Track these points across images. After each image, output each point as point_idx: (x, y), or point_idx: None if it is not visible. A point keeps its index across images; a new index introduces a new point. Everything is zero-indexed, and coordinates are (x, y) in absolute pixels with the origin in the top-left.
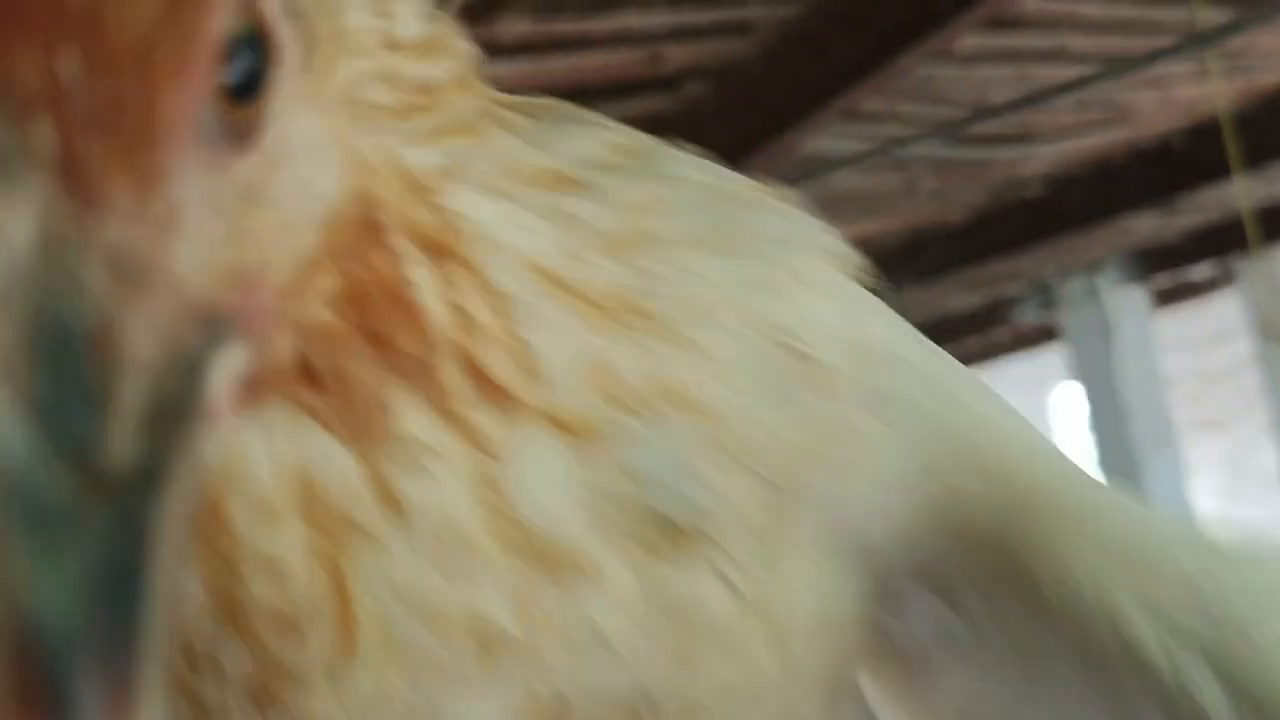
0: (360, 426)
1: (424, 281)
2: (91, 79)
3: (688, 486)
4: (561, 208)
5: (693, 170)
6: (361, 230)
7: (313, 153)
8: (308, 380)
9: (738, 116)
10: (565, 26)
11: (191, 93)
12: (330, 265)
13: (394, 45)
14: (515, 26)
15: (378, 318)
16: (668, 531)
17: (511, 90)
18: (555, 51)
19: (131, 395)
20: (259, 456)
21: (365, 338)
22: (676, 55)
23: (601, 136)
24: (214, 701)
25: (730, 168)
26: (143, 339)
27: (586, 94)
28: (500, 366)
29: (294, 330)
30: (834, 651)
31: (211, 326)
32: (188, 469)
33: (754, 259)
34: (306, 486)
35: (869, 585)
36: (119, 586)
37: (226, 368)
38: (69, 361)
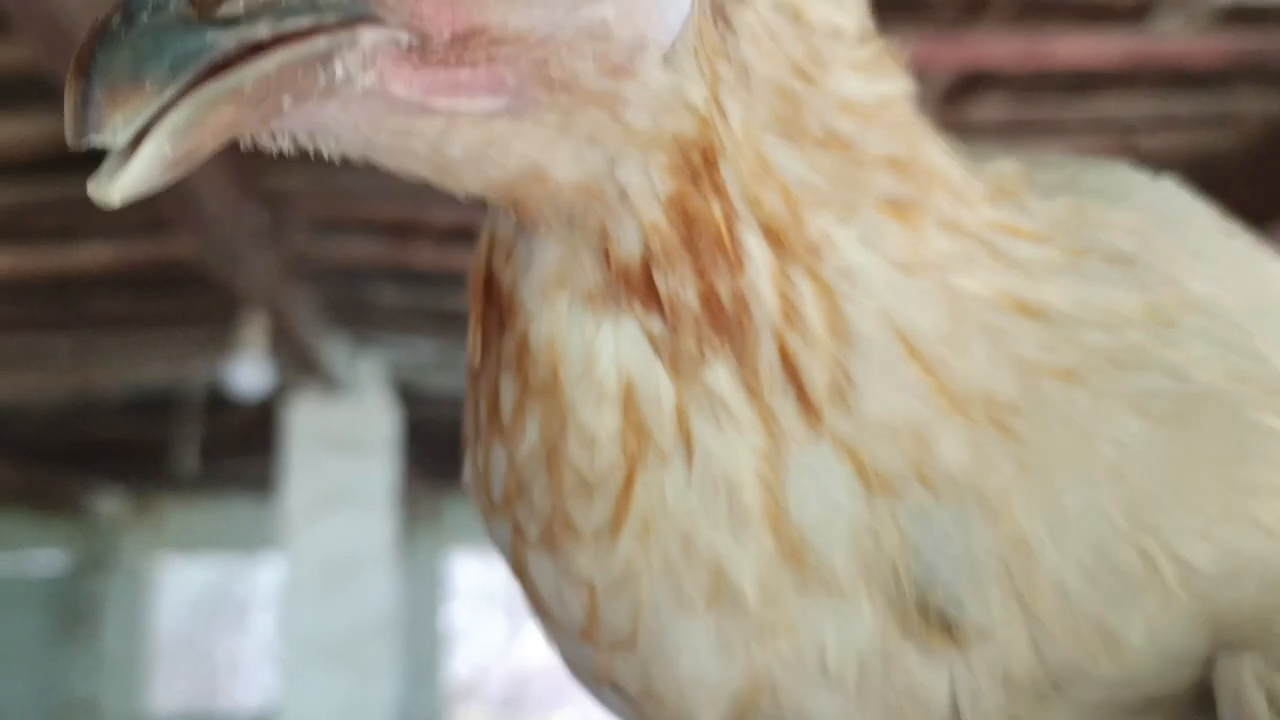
0: (681, 363)
1: (760, 257)
2: None
3: (966, 591)
4: (989, 318)
5: (1201, 369)
6: (702, 158)
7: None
8: (650, 296)
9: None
10: (1040, 112)
11: None
12: (667, 160)
13: (813, 77)
14: (989, 111)
15: (704, 253)
16: (926, 616)
17: None
18: (1025, 135)
19: None
20: (607, 352)
21: (693, 266)
22: (1153, 144)
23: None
24: (523, 524)
25: None
26: None
27: None
28: (816, 378)
29: (636, 224)
30: None
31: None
32: (284, 56)
33: (1204, 465)
34: (630, 390)
35: None
36: (176, 53)
37: (369, 38)
38: None
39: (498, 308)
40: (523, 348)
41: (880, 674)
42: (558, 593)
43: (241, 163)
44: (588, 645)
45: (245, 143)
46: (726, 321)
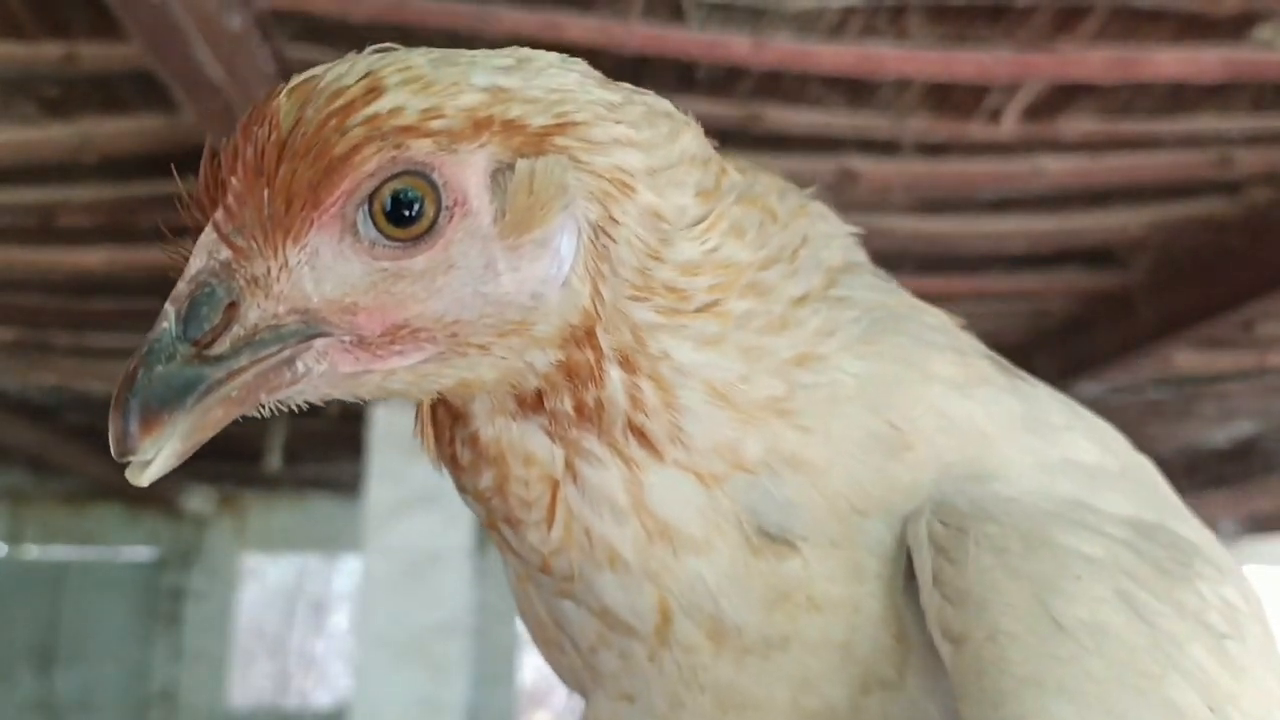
0: (564, 438)
1: (616, 376)
2: (255, 196)
3: (790, 519)
4: (761, 344)
5: (872, 292)
6: (584, 333)
7: (483, 269)
8: (541, 408)
9: None
10: (1132, 127)
11: (322, 210)
12: (559, 343)
13: (661, 256)
14: (1079, 125)
15: (578, 382)
16: (767, 539)
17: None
18: (1117, 150)
19: (234, 330)
20: (524, 440)
21: (569, 391)
22: (1248, 160)
23: (821, 258)
24: (492, 512)
25: None
26: (252, 312)
27: (1142, 193)
28: (658, 434)
29: (535, 377)
30: (856, 611)
31: (308, 321)
32: (258, 369)
33: (893, 360)
34: (532, 457)
35: (902, 578)
36: (181, 388)
37: (320, 343)
38: (209, 305)
39: (449, 408)
40: (475, 439)
41: (747, 582)
42: (522, 547)
43: None
44: (547, 576)
45: None
46: (591, 414)
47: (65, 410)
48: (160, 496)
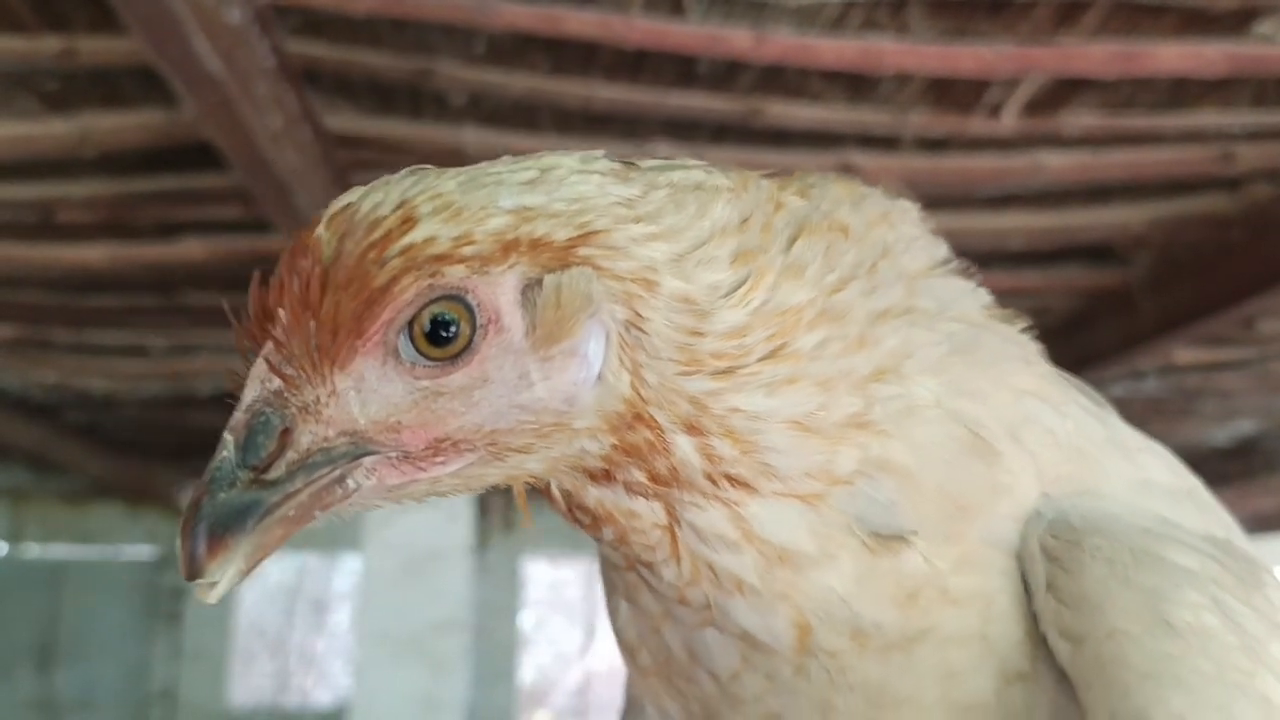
0: (654, 495)
1: (684, 442)
2: (302, 327)
3: (896, 518)
4: (839, 368)
5: (952, 301)
6: (633, 417)
7: (517, 380)
8: (612, 479)
9: None
10: (1133, 122)
11: (366, 338)
12: (608, 430)
13: (701, 331)
14: (1080, 120)
15: (644, 455)
16: (881, 539)
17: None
18: (1118, 146)
19: (289, 455)
20: (620, 500)
21: (637, 464)
22: (1249, 156)
23: (901, 265)
24: (625, 558)
25: None
26: (304, 436)
27: (1143, 189)
28: (746, 475)
29: (595, 457)
30: (989, 605)
31: (356, 442)
32: (311, 490)
33: (973, 376)
34: (634, 511)
35: (1013, 568)
36: (242, 513)
37: (368, 460)
38: (265, 433)
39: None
40: (581, 504)
41: (875, 583)
42: (660, 584)
43: (332, 161)
44: (687, 608)
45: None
46: (666, 477)
47: (65, 408)
48: (160, 495)
